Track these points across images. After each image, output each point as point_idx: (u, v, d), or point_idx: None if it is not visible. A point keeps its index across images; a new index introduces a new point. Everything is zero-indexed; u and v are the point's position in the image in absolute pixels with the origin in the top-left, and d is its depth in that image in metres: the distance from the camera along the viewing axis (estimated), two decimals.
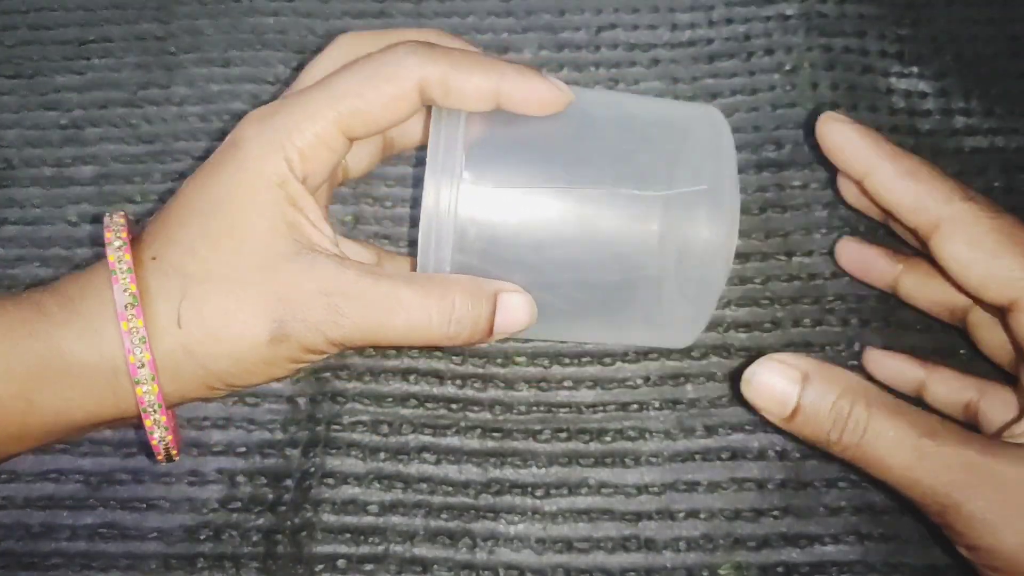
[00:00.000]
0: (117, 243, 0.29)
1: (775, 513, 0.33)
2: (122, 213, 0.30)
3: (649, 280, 0.30)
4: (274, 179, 0.29)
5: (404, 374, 0.36)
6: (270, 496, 0.34)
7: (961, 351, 0.36)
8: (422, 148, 0.30)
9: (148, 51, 0.44)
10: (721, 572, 0.32)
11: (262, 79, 0.43)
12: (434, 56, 0.29)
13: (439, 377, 0.36)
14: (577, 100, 0.30)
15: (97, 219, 0.40)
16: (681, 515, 0.33)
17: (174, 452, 0.30)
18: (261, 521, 0.34)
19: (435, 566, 0.33)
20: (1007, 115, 0.41)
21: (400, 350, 0.36)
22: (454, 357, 0.36)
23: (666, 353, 0.36)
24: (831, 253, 0.38)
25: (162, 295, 0.28)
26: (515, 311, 0.30)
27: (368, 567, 0.33)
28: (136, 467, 0.35)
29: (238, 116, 0.41)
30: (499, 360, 0.36)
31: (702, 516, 0.33)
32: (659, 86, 0.42)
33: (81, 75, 0.44)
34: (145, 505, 0.34)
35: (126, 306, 0.28)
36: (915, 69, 0.42)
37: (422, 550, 0.33)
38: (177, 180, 0.40)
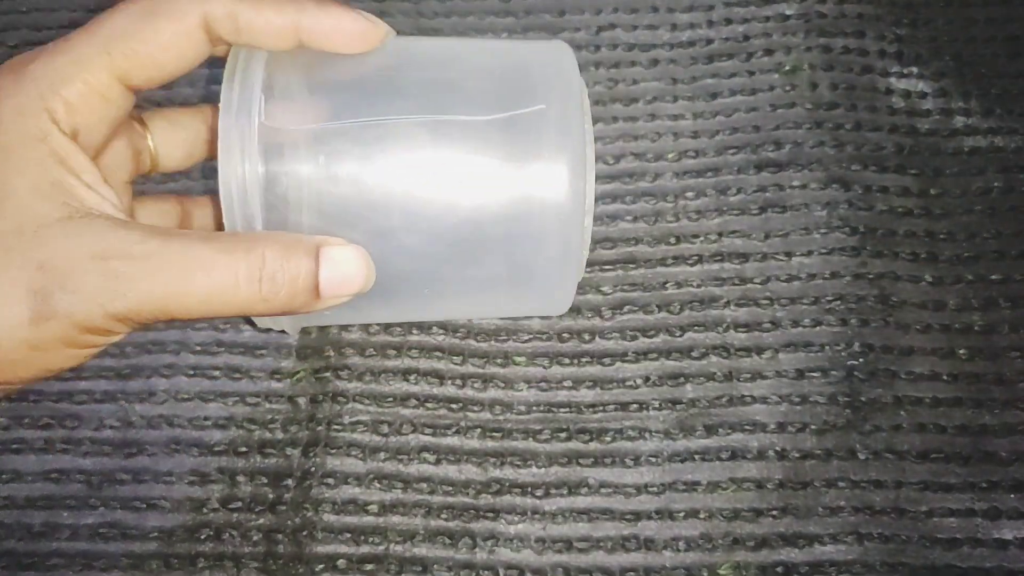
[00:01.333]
0: None
1: (774, 513, 0.33)
2: None
3: (496, 224, 0.27)
4: (34, 133, 0.25)
5: (404, 374, 0.36)
6: (271, 496, 0.34)
7: (961, 351, 0.36)
8: None
9: None
10: (720, 572, 0.32)
11: None
12: None
13: (439, 377, 0.36)
14: (397, 40, 0.27)
15: None
16: (680, 515, 0.33)
17: None
18: (262, 521, 0.34)
19: (435, 566, 0.33)
20: (1006, 115, 0.41)
21: (400, 350, 0.36)
22: (454, 357, 0.36)
23: (665, 353, 0.36)
24: (831, 253, 0.38)
25: None
26: (344, 264, 0.26)
27: (368, 567, 0.33)
28: (137, 467, 0.35)
29: None
30: (499, 360, 0.36)
31: (701, 516, 0.33)
32: (658, 86, 0.42)
33: None
34: (146, 505, 0.34)
35: None
36: (914, 69, 0.42)
37: (422, 550, 0.33)
38: (179, 181, 0.40)
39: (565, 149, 0.27)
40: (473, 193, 0.27)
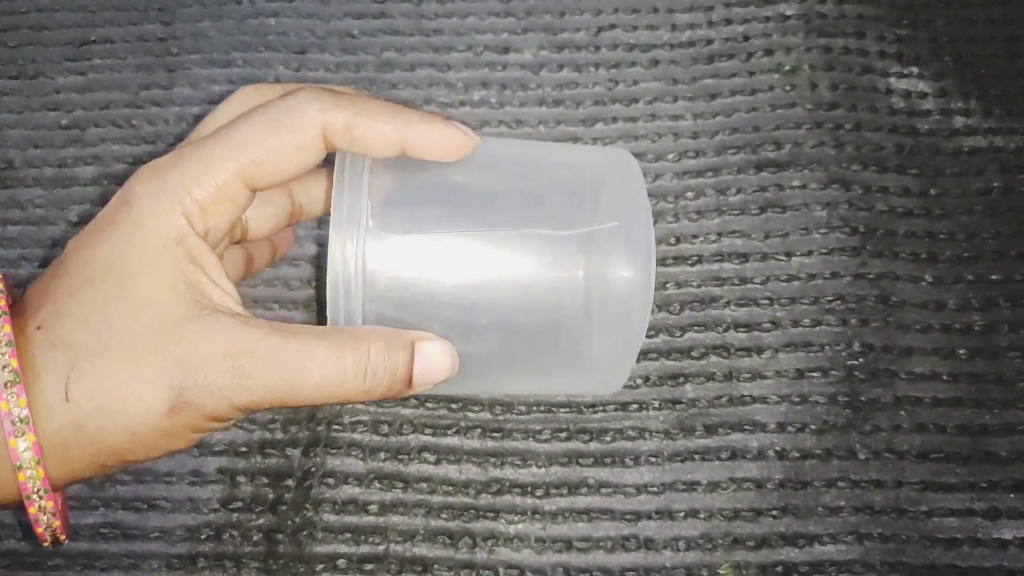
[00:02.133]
0: None
1: (774, 513, 0.33)
2: (0, 274, 0.28)
3: (570, 322, 0.30)
4: (172, 236, 0.27)
5: None
6: (271, 496, 0.34)
7: (960, 351, 0.36)
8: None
9: (150, 52, 0.44)
10: (720, 571, 0.32)
11: (263, 80, 0.43)
12: (338, 103, 0.28)
13: None
14: (484, 146, 0.30)
15: None
16: (680, 514, 0.33)
17: (62, 537, 0.28)
18: (262, 521, 0.34)
19: (435, 565, 0.33)
20: (1006, 115, 0.41)
21: None
22: None
23: (666, 353, 0.36)
24: (831, 253, 0.38)
25: (48, 368, 0.26)
26: (434, 359, 0.29)
27: (368, 566, 0.33)
28: (138, 467, 0.35)
29: None
30: None
31: (701, 516, 0.33)
32: (659, 87, 0.42)
33: (83, 75, 0.44)
34: (146, 505, 0.34)
35: (6, 384, 0.25)
36: (914, 69, 0.42)
37: (422, 549, 0.33)
38: None
39: (633, 260, 0.30)
40: (551, 296, 0.30)
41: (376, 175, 0.29)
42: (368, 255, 0.28)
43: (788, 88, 0.42)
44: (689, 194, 0.39)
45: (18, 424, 0.25)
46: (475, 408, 0.35)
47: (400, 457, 0.35)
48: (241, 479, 0.34)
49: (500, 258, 0.29)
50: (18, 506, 0.27)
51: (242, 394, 0.27)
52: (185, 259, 0.27)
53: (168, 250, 0.27)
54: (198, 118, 0.42)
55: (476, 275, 0.29)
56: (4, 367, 0.25)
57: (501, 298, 0.30)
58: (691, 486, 0.34)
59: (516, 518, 0.34)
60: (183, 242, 0.27)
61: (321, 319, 0.33)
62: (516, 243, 0.29)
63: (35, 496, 0.26)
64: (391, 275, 0.29)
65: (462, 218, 0.29)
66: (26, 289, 0.28)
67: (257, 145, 0.28)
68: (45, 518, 0.27)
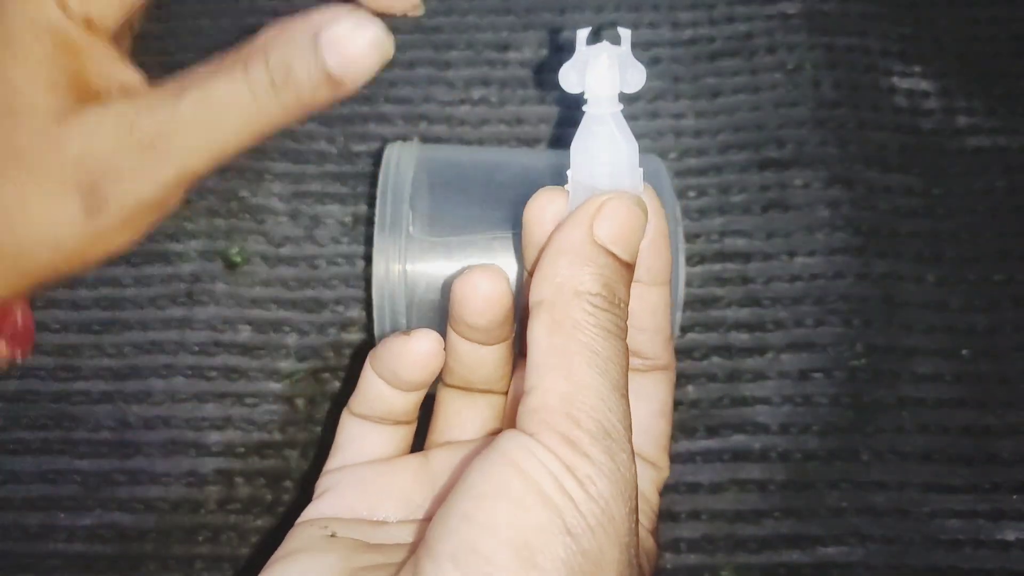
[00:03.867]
0: None
1: (776, 514, 0.33)
2: None
3: None
4: (44, 25, 0.24)
5: None
6: (269, 497, 0.34)
7: (964, 351, 0.36)
8: None
9: (148, 50, 0.44)
10: (722, 574, 0.32)
11: None
12: None
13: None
14: (517, 156, 0.32)
15: None
16: (682, 516, 0.33)
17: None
18: (259, 523, 0.33)
19: None
20: (1009, 115, 0.41)
21: None
22: None
23: None
24: (834, 253, 0.37)
25: None
26: (348, 43, 0.25)
27: None
28: (134, 468, 0.34)
29: None
30: None
31: (703, 517, 0.33)
32: (660, 85, 0.42)
33: None
34: (143, 506, 0.34)
35: None
36: (917, 68, 0.42)
37: None
38: None
39: None
40: None
41: (416, 185, 0.32)
42: (408, 260, 0.31)
43: (791, 87, 0.41)
44: (691, 193, 0.39)
45: None
46: None
47: None
48: (239, 480, 0.34)
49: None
50: None
51: (163, 166, 0.24)
52: (64, 52, 0.24)
53: (41, 45, 0.24)
54: None
55: (513, 274, 0.31)
56: None
57: None
58: (693, 488, 0.34)
59: None
60: (58, 34, 0.24)
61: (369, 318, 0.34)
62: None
63: None
64: (425, 274, 0.31)
65: (492, 221, 0.32)
66: None
67: None
68: None
